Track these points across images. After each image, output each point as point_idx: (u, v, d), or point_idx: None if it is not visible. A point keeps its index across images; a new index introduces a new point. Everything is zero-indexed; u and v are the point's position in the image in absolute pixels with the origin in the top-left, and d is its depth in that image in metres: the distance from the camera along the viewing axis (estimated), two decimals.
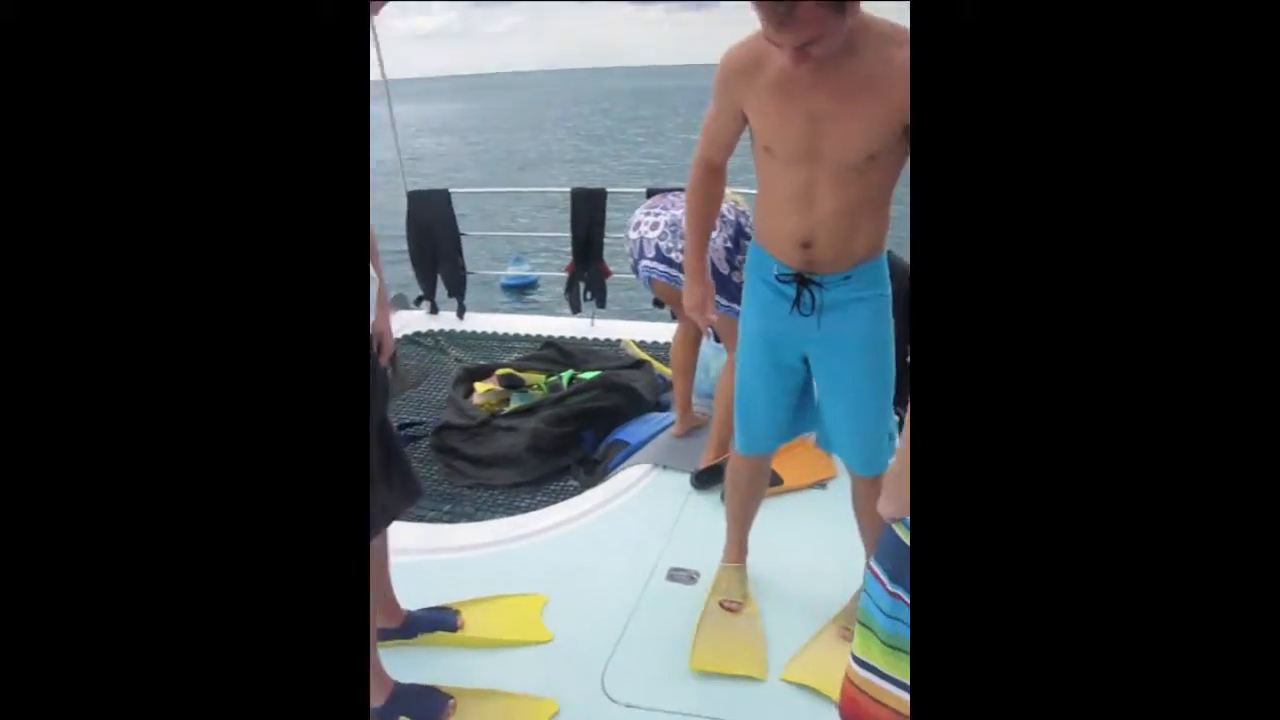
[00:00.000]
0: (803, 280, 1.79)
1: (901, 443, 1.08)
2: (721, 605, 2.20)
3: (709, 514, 2.72)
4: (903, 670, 1.09)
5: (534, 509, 2.86)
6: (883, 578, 1.11)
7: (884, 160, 1.66)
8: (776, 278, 1.83)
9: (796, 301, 1.81)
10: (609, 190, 4.63)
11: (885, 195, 1.75)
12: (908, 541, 1.06)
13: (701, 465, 2.88)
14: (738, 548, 2.32)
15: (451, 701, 1.82)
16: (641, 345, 4.30)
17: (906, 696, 1.09)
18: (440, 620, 2.07)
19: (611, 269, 4.68)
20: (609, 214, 4.60)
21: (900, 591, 1.08)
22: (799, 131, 1.65)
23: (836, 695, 1.81)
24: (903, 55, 1.54)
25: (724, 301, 2.62)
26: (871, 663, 1.14)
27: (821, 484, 2.88)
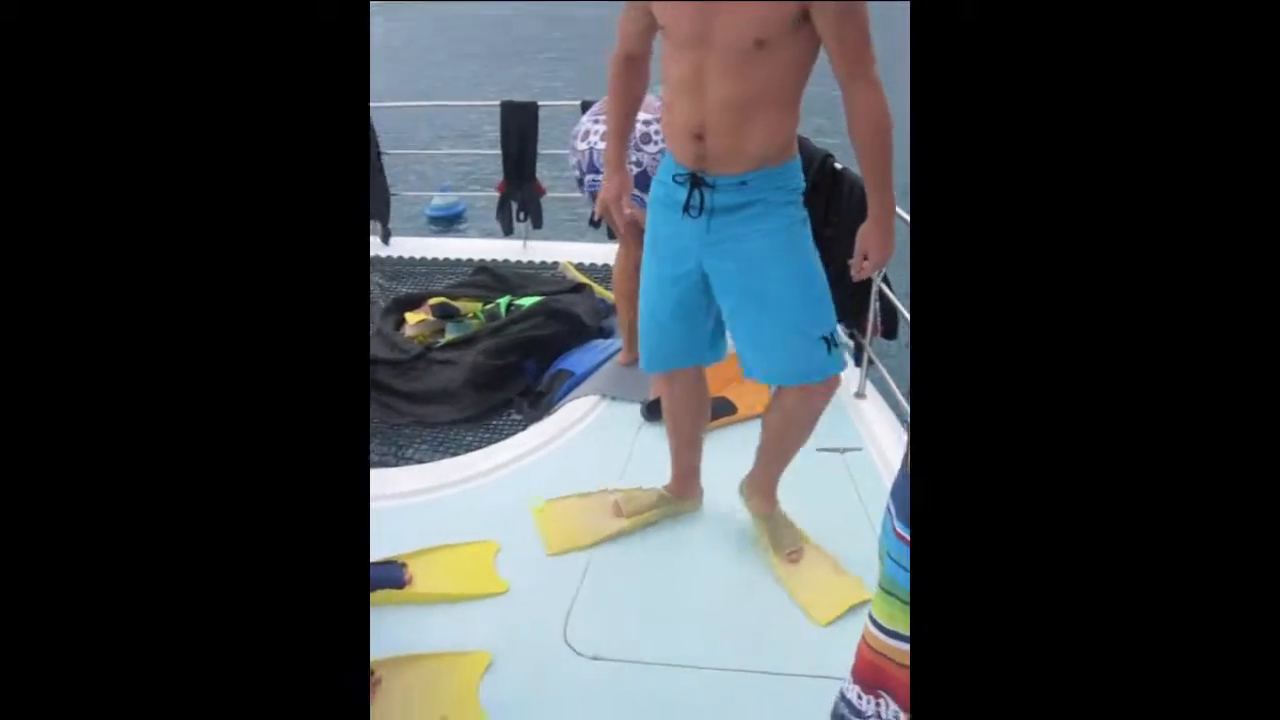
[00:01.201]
0: (695, 181, 1.73)
1: None
2: (613, 500, 2.19)
3: (664, 446, 2.58)
4: None
5: (477, 447, 2.70)
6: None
7: (776, 51, 1.61)
8: (674, 178, 1.78)
9: (686, 204, 1.74)
10: (540, 104, 4.37)
11: (783, 94, 1.69)
12: None
13: (652, 395, 2.74)
14: (678, 479, 2.23)
15: (375, 676, 1.66)
16: (579, 268, 4.11)
17: None
18: (386, 576, 1.91)
19: (545, 187, 4.44)
20: (540, 129, 4.34)
21: None
22: (690, 11, 1.62)
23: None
24: None
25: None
26: (899, 630, 1.04)
27: None
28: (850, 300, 2.95)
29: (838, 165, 3.02)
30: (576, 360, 3.09)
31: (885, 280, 2.88)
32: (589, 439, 2.65)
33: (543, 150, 4.36)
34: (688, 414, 2.15)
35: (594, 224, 3.17)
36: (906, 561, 1.01)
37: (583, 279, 3.85)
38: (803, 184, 1.83)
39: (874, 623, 1.09)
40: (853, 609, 1.88)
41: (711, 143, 1.69)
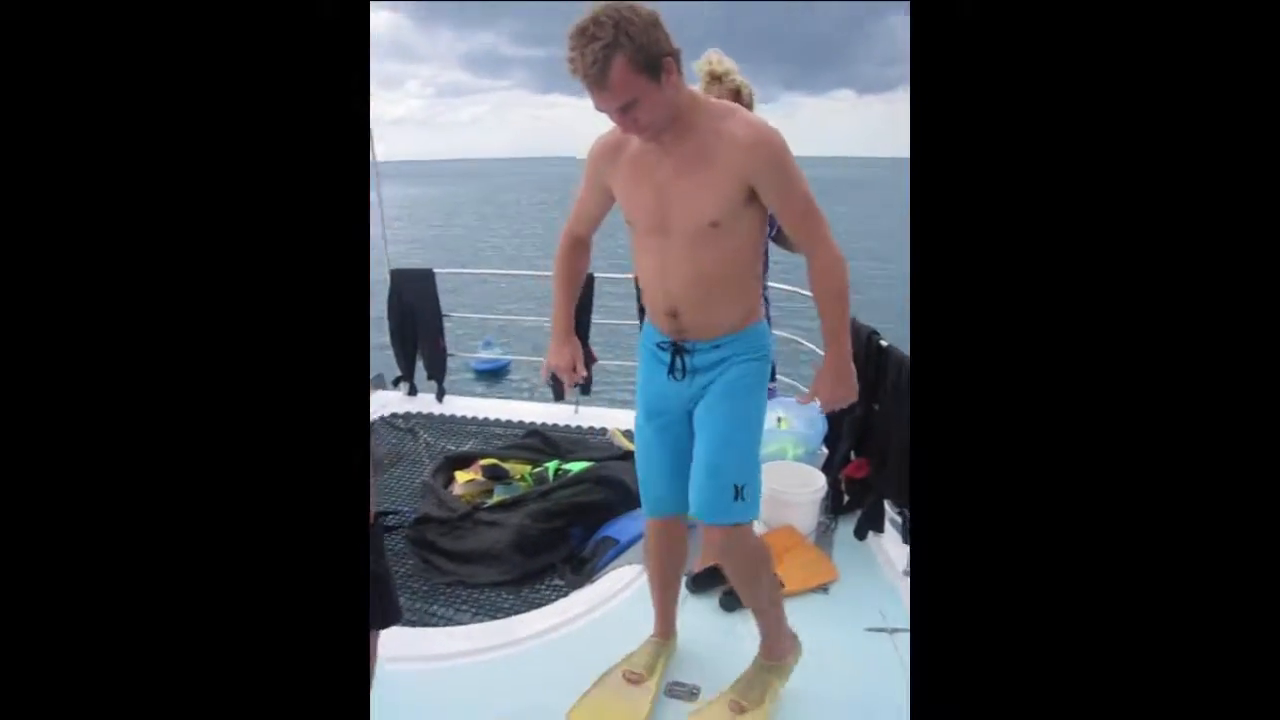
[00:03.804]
0: (677, 349, 1.92)
1: None
2: (624, 674, 2.22)
3: (709, 620, 2.55)
4: None
5: (517, 611, 2.67)
6: None
7: (730, 230, 1.75)
8: (657, 345, 1.97)
9: (671, 367, 1.93)
10: (596, 275, 4.55)
11: (742, 268, 1.84)
12: None
13: (698, 567, 2.71)
14: (661, 620, 2.32)
15: None
16: (628, 435, 4.16)
17: None
18: None
19: (597, 354, 4.56)
20: (595, 299, 4.51)
21: None
22: (650, 203, 1.78)
23: None
24: (731, 127, 1.69)
25: None
26: None
27: (823, 588, 2.72)
28: (900, 478, 2.94)
29: (883, 342, 3.07)
30: (621, 528, 3.08)
31: None
32: (632, 609, 2.61)
33: (596, 320, 4.51)
34: (668, 555, 2.23)
35: None
36: None
37: (630, 445, 3.89)
38: (769, 343, 1.98)
39: None
40: None
41: (685, 319, 1.87)
